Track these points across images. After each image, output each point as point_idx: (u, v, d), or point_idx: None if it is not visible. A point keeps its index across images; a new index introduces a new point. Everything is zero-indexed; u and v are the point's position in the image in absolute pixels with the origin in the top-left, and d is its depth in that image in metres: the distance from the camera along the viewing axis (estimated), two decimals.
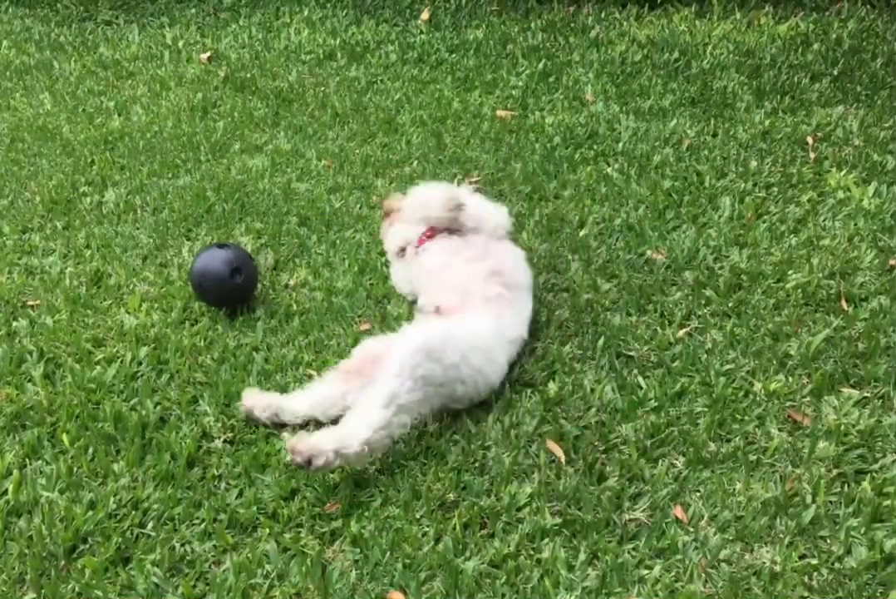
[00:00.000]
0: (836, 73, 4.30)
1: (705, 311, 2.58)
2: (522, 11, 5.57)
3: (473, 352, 2.20)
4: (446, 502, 1.98)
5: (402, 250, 2.73)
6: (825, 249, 2.85)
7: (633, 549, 1.85)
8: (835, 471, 2.00)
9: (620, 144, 3.68)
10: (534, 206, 3.24)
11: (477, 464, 2.07)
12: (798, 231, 2.98)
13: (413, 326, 2.31)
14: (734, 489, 1.97)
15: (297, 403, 2.22)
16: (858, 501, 1.91)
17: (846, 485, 1.97)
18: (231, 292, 2.62)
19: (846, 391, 2.24)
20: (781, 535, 1.85)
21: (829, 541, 1.84)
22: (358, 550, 1.86)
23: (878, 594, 1.73)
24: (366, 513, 1.95)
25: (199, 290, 2.66)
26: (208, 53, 5.22)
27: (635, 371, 2.34)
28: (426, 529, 1.90)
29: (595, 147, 3.69)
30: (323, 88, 4.59)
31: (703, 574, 1.77)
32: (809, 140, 3.61)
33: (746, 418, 2.17)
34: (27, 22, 6.15)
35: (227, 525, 1.94)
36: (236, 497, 2.01)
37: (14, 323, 2.68)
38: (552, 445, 2.10)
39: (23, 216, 3.36)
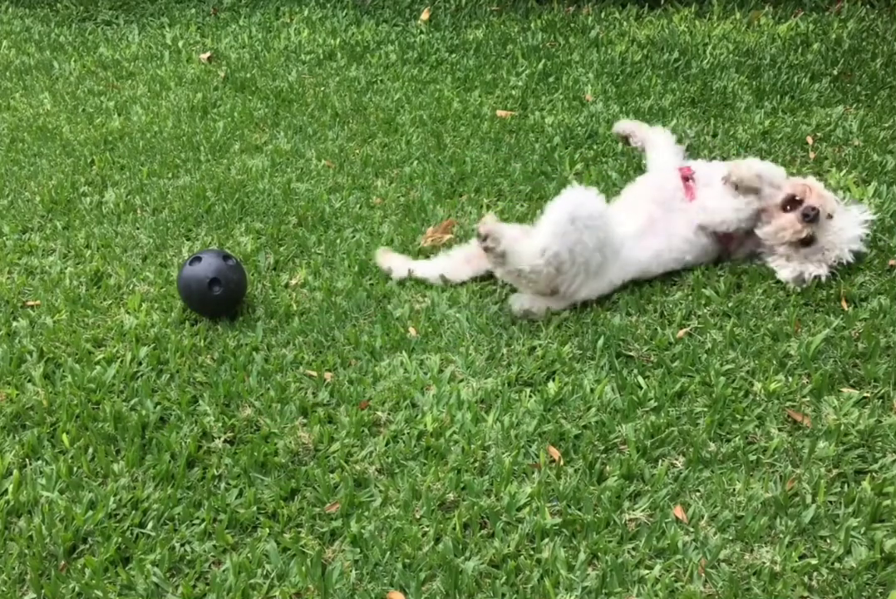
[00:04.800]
0: (836, 73, 4.30)
1: (705, 311, 2.58)
2: (522, 11, 5.57)
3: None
4: (446, 502, 1.98)
5: None
6: None
7: (633, 549, 1.85)
8: (835, 471, 2.00)
9: (620, 144, 3.68)
10: (534, 206, 3.24)
11: (477, 464, 2.07)
12: None
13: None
14: (734, 489, 1.97)
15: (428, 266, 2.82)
16: (858, 501, 1.91)
17: (846, 485, 1.97)
18: (213, 304, 2.60)
19: (846, 391, 2.24)
20: (781, 535, 1.85)
21: (829, 541, 1.84)
22: (358, 550, 1.86)
23: (878, 594, 1.74)
24: (366, 513, 1.95)
25: (187, 303, 2.67)
26: (208, 53, 5.23)
27: (635, 371, 2.34)
28: (426, 529, 1.90)
29: (595, 147, 3.69)
30: (323, 88, 4.60)
31: (703, 574, 1.78)
32: (809, 140, 3.61)
33: (746, 418, 2.17)
34: (27, 22, 6.16)
35: (227, 525, 1.94)
36: (236, 497, 2.01)
37: (14, 323, 2.68)
38: (550, 449, 2.11)
39: (23, 216, 3.36)
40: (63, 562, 1.86)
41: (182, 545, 1.91)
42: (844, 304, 2.57)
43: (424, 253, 2.95)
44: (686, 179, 2.83)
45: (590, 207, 2.50)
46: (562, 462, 2.06)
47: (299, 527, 1.94)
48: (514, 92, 4.38)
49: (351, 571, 1.82)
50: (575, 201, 2.49)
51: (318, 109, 4.31)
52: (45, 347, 2.54)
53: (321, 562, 1.84)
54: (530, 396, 2.28)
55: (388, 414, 2.25)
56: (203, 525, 1.94)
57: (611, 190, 3.28)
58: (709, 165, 2.97)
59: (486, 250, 2.50)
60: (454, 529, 1.89)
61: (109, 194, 3.51)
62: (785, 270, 2.66)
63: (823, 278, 2.62)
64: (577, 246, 2.46)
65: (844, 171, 3.33)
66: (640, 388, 2.28)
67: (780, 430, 2.14)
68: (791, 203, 2.66)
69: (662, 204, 2.77)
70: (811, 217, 2.59)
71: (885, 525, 1.87)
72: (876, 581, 1.76)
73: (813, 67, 4.39)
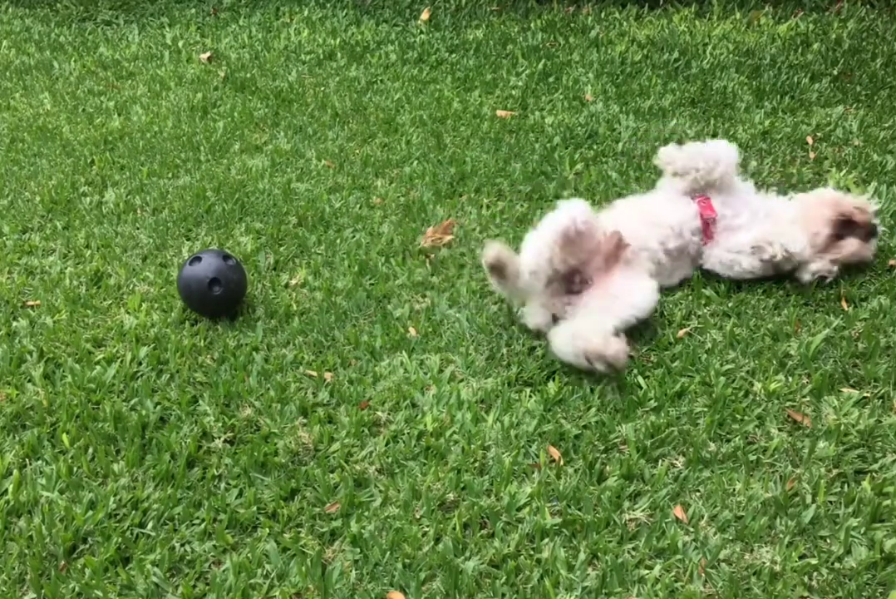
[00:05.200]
0: (836, 73, 4.31)
1: (705, 311, 2.58)
2: (522, 11, 5.57)
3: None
4: (446, 502, 1.98)
5: None
6: None
7: (633, 549, 1.85)
8: (835, 471, 2.00)
9: (620, 144, 3.68)
10: (534, 206, 3.24)
11: (477, 464, 2.07)
12: None
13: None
14: (734, 489, 1.97)
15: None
16: (858, 501, 1.91)
17: (846, 485, 1.97)
18: (213, 304, 2.60)
19: (846, 391, 2.24)
20: (781, 535, 1.85)
21: (829, 541, 1.84)
22: (358, 550, 1.86)
23: (878, 594, 1.74)
24: (366, 513, 1.95)
25: (187, 303, 2.67)
26: (208, 53, 5.23)
27: (635, 371, 2.34)
28: (426, 529, 1.90)
29: (595, 147, 3.69)
30: (323, 88, 4.60)
31: (703, 574, 1.77)
32: (809, 140, 3.61)
33: (746, 418, 2.17)
34: (27, 22, 6.16)
35: (227, 525, 1.94)
36: (236, 497, 2.01)
37: (14, 323, 2.68)
38: (550, 449, 2.11)
39: (23, 216, 3.36)
40: (63, 562, 1.86)
41: (182, 545, 1.91)
42: (844, 304, 2.57)
43: (424, 253, 2.95)
44: (706, 223, 2.66)
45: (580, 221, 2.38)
46: (562, 462, 2.06)
47: (299, 527, 1.94)
48: (514, 92, 4.38)
49: (351, 571, 1.82)
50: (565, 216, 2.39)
51: (318, 109, 4.31)
52: (45, 347, 2.54)
53: (321, 562, 1.84)
54: (530, 396, 2.28)
55: (388, 414, 2.25)
56: (203, 525, 1.94)
57: (611, 190, 3.28)
58: (732, 198, 2.72)
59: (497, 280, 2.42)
60: (454, 529, 1.89)
61: (109, 194, 3.51)
62: (806, 274, 2.63)
63: (830, 279, 2.62)
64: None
65: (844, 171, 3.33)
66: (640, 388, 2.28)
67: (780, 430, 2.14)
68: (842, 226, 2.60)
69: (673, 252, 2.63)
70: (875, 233, 2.60)
71: (885, 524, 1.87)
72: (876, 581, 1.75)
73: (813, 67, 4.39)
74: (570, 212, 2.41)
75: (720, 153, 2.72)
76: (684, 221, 2.65)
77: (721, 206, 2.69)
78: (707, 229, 2.67)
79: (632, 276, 2.49)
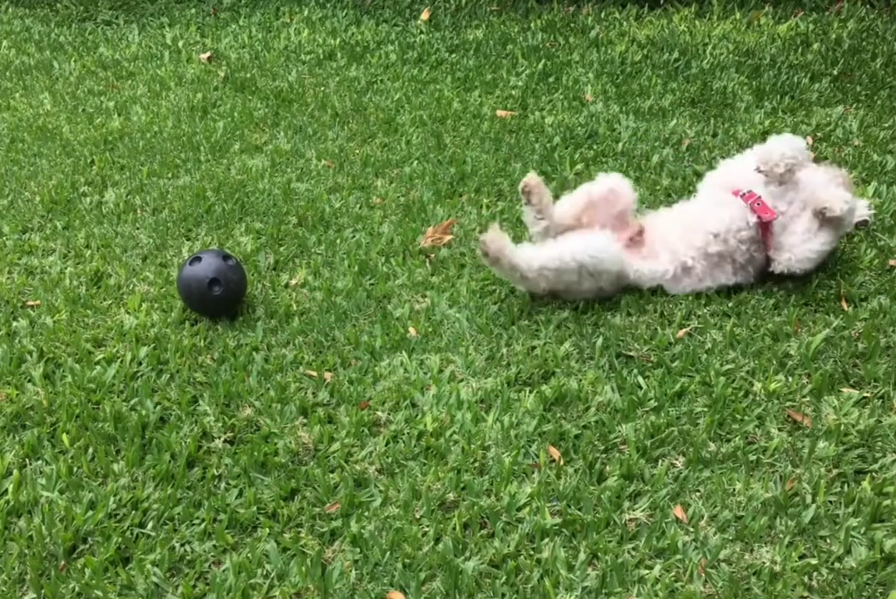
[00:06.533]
0: (836, 73, 4.31)
1: (705, 311, 2.58)
2: (522, 11, 5.58)
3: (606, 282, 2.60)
4: (446, 502, 1.98)
5: None
6: None
7: (633, 549, 1.85)
8: (835, 471, 2.00)
9: (620, 144, 3.68)
10: None
11: (477, 464, 2.07)
12: None
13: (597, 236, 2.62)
14: (734, 489, 1.97)
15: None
16: (858, 501, 1.91)
17: (846, 485, 1.97)
18: (213, 304, 2.61)
19: (846, 391, 2.24)
20: (781, 535, 1.85)
21: (829, 541, 1.84)
22: (358, 550, 1.86)
23: (878, 594, 1.74)
24: (366, 513, 1.95)
25: (187, 303, 2.67)
26: (208, 53, 5.23)
27: (635, 371, 2.34)
28: (426, 529, 1.90)
29: (595, 147, 3.69)
30: (323, 88, 4.60)
31: (703, 574, 1.77)
32: (809, 140, 3.61)
33: (746, 418, 2.17)
34: (27, 22, 6.17)
35: (227, 525, 1.94)
36: (236, 497, 2.01)
37: (14, 323, 2.68)
38: (550, 449, 2.11)
39: (23, 216, 3.36)
40: (63, 562, 1.86)
41: (182, 545, 1.91)
42: (844, 304, 2.57)
43: (424, 253, 2.95)
44: (766, 226, 2.54)
45: (603, 259, 2.53)
46: (562, 462, 2.06)
47: (299, 527, 1.94)
48: (514, 92, 4.38)
49: (351, 571, 1.82)
50: (593, 247, 2.53)
51: (318, 109, 4.31)
52: (45, 347, 2.54)
53: (321, 562, 1.84)
54: (530, 396, 2.28)
55: (388, 414, 2.25)
56: (203, 525, 1.94)
57: None
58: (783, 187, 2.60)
59: (490, 263, 2.55)
60: (454, 529, 1.89)
61: (109, 194, 3.51)
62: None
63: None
64: (571, 285, 2.57)
65: (844, 171, 3.33)
66: (640, 388, 2.28)
67: (780, 430, 2.14)
68: None
69: (713, 257, 2.60)
70: None
71: (885, 524, 1.87)
72: (876, 581, 1.76)
73: (813, 67, 4.39)
74: (605, 182, 2.76)
75: (788, 145, 2.60)
76: (731, 229, 2.56)
77: (773, 199, 2.57)
78: (766, 233, 2.56)
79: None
